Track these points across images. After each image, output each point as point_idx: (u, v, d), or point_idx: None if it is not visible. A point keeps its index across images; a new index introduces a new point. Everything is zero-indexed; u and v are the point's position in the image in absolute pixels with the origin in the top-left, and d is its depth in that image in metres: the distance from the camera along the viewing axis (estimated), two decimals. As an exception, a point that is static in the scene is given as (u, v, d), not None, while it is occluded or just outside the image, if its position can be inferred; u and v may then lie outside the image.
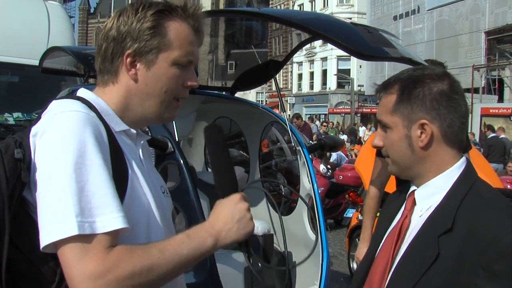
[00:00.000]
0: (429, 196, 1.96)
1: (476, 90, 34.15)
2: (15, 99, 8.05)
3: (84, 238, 1.52)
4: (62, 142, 1.59)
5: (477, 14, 37.88)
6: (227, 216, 1.78)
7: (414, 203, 2.01)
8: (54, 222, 1.52)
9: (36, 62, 6.80)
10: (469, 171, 1.95)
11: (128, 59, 1.81)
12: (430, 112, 1.93)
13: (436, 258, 1.80)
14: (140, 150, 1.92)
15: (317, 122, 31.13)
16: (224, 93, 5.55)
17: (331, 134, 27.37)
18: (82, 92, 1.86)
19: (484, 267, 1.70)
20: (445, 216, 1.85)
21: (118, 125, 1.82)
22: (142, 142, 1.95)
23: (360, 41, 3.22)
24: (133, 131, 1.89)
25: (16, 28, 8.00)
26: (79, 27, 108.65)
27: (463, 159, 1.98)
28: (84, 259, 1.51)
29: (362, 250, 4.16)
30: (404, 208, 2.05)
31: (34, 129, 1.69)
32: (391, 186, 7.37)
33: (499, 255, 1.69)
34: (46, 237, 1.52)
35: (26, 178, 1.63)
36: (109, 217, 1.55)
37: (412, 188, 2.05)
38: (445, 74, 2.01)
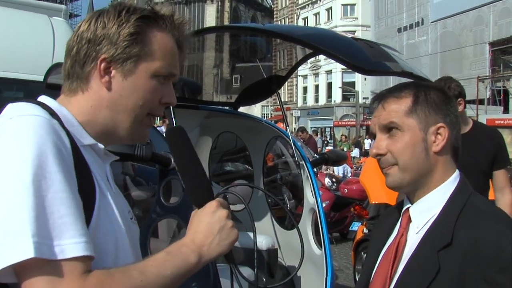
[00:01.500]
0: (425, 211, 1.92)
1: (481, 102, 34.12)
2: None
3: (52, 265, 1.31)
4: (18, 150, 1.36)
5: (481, 26, 37.84)
6: (207, 227, 1.61)
7: (409, 220, 1.96)
8: (6, 244, 1.28)
9: (40, 78, 6.80)
10: (464, 184, 1.93)
11: (103, 65, 1.60)
12: (445, 118, 1.92)
13: (437, 274, 1.76)
14: (108, 169, 1.70)
15: (318, 137, 31.03)
16: (227, 108, 5.56)
17: (345, 148, 27.38)
18: (43, 98, 1.64)
19: (487, 280, 1.67)
20: (443, 230, 1.81)
21: (84, 138, 1.60)
22: (109, 161, 1.74)
23: (361, 56, 3.23)
24: (101, 146, 1.66)
25: (21, 44, 8.02)
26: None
27: (457, 172, 1.96)
28: None
29: None
30: (400, 226, 1.99)
31: None
32: (380, 195, 7.39)
33: (501, 267, 1.67)
34: None
35: None
36: (69, 241, 1.34)
37: (407, 205, 2.00)
38: (444, 88, 2.04)
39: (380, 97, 2.01)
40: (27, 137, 1.39)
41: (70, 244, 1.33)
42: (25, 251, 1.27)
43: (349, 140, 32.42)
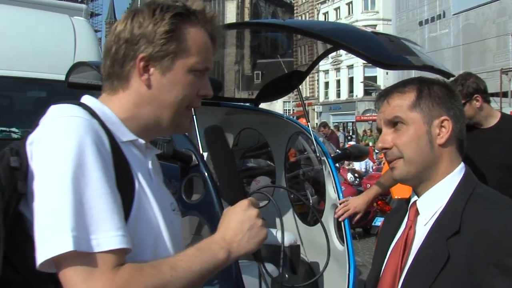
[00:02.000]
0: (432, 203, 1.96)
1: (504, 94, 33.83)
2: (43, 114, 8.12)
3: (87, 257, 1.39)
4: (59, 150, 1.45)
5: (504, 17, 37.47)
6: (237, 225, 1.65)
7: (417, 212, 2.01)
8: (48, 238, 1.38)
9: (62, 77, 6.87)
10: (469, 175, 1.98)
11: (141, 63, 1.67)
12: (449, 111, 1.97)
13: (447, 261, 1.79)
14: (150, 163, 1.77)
15: (340, 132, 30.97)
16: (248, 104, 5.56)
17: (370, 142, 27.29)
18: (85, 99, 1.72)
19: (495, 264, 1.70)
20: (451, 219, 1.86)
21: (124, 135, 1.68)
22: (151, 155, 1.81)
23: (381, 50, 3.21)
24: (142, 141, 1.73)
25: (42, 44, 8.10)
26: (105, 41, 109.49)
27: (462, 164, 2.01)
28: (90, 281, 1.38)
29: (356, 201, 4.33)
30: (408, 219, 2.04)
31: (31, 137, 1.56)
32: (402, 191, 7.34)
33: (509, 250, 1.70)
34: (40, 254, 1.37)
35: (23, 188, 1.49)
36: (106, 235, 1.42)
37: (414, 198, 2.05)
38: (447, 83, 2.10)
39: (385, 93, 2.07)
40: (67, 137, 1.47)
41: (106, 237, 1.42)
42: (65, 245, 1.35)
43: (374, 135, 32.25)
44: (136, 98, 1.71)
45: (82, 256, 1.38)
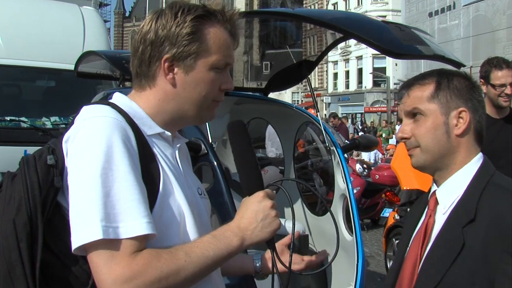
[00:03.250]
0: (450, 192, 2.02)
1: (514, 86, 33.63)
2: (52, 103, 8.17)
3: (110, 243, 1.54)
4: (90, 147, 1.61)
5: (514, 9, 37.28)
6: (252, 214, 1.76)
7: (436, 202, 2.06)
8: (81, 227, 1.55)
9: (72, 67, 6.89)
10: (486, 165, 2.03)
11: (166, 64, 1.80)
12: (467, 102, 2.02)
13: (462, 248, 1.85)
14: (177, 153, 1.91)
15: (348, 123, 30.95)
16: (257, 94, 5.55)
17: (384, 134, 27.27)
18: (116, 96, 1.87)
19: (509, 252, 1.75)
20: (467, 208, 1.91)
21: (151, 129, 1.82)
22: (178, 145, 1.94)
23: (392, 39, 3.19)
24: (168, 133, 1.87)
25: (52, 33, 8.13)
26: (114, 31, 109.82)
27: (480, 154, 2.06)
28: (110, 264, 1.54)
29: None
30: (428, 209, 2.10)
31: (66, 135, 1.71)
32: (411, 182, 7.32)
33: None
34: (74, 241, 1.55)
35: (59, 183, 1.67)
36: (133, 223, 1.57)
37: (433, 188, 2.11)
38: (468, 74, 2.13)
39: (407, 85, 2.15)
40: (97, 136, 1.63)
41: (133, 225, 1.57)
42: (95, 234, 1.53)
43: (389, 126, 32.19)
44: (162, 95, 1.85)
45: (107, 242, 1.54)
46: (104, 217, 1.54)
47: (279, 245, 2.10)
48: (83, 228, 1.55)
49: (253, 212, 1.77)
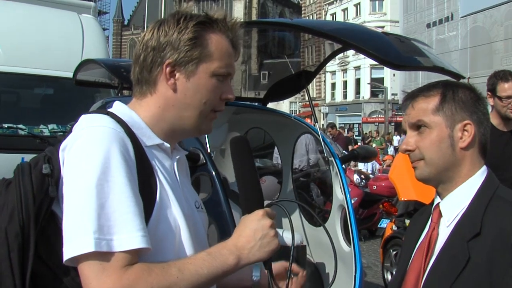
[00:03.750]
0: (454, 205, 2.00)
1: (512, 98, 33.69)
2: (50, 111, 8.16)
3: (102, 256, 1.51)
4: (87, 157, 1.59)
5: (512, 20, 37.40)
6: (250, 233, 1.73)
7: (440, 215, 2.04)
8: (73, 238, 1.53)
9: (70, 75, 6.89)
10: (491, 178, 2.02)
11: (168, 69, 1.79)
12: (472, 115, 2.01)
13: (467, 263, 1.83)
14: (175, 165, 1.88)
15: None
16: (256, 103, 5.55)
17: (374, 144, 27.22)
18: (116, 105, 1.85)
19: None
20: (472, 221, 1.89)
21: (150, 139, 1.80)
22: (178, 157, 1.91)
23: (391, 50, 3.19)
24: (167, 145, 1.85)
25: (51, 41, 8.13)
26: (113, 39, 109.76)
27: (484, 167, 2.04)
28: (101, 277, 1.51)
29: None
30: (431, 221, 2.08)
31: (63, 143, 1.69)
32: (409, 193, 7.33)
33: None
34: (66, 252, 1.53)
35: (53, 192, 1.66)
36: (127, 236, 1.54)
37: (437, 200, 2.09)
38: (473, 86, 2.11)
39: (411, 96, 2.13)
40: (94, 146, 1.61)
41: (126, 238, 1.54)
42: (87, 245, 1.50)
43: (380, 136, 32.20)
44: (163, 101, 1.82)
45: (99, 255, 1.51)
46: (97, 229, 1.51)
47: (279, 265, 2.02)
48: (75, 240, 1.52)
49: (251, 230, 1.73)
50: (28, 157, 1.86)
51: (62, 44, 8.24)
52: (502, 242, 1.78)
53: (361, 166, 17.34)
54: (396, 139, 33.53)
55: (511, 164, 4.52)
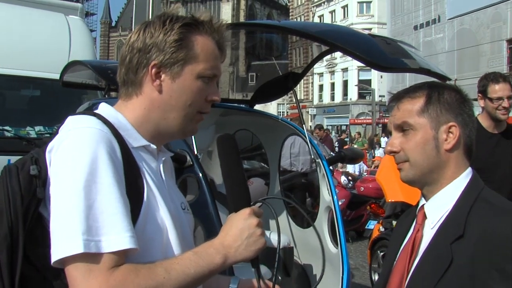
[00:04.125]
0: (439, 207, 2.00)
1: (498, 99, 33.88)
2: (36, 112, 8.11)
3: (89, 257, 1.50)
4: (73, 159, 1.58)
5: (498, 23, 37.62)
6: (237, 232, 1.72)
7: (424, 216, 2.04)
8: (61, 239, 1.52)
9: (57, 76, 6.86)
10: (475, 180, 2.01)
11: (153, 70, 1.79)
12: (457, 117, 2.01)
13: (450, 264, 1.83)
14: (161, 166, 1.88)
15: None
16: (243, 105, 5.55)
17: (357, 145, 27.28)
18: (102, 107, 1.85)
19: (497, 269, 1.74)
20: (455, 223, 1.90)
21: (136, 141, 1.80)
22: (164, 158, 1.91)
23: (378, 52, 3.20)
24: (153, 146, 1.84)
25: (37, 42, 8.08)
26: (100, 40, 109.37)
27: (469, 168, 2.04)
28: (88, 278, 1.50)
29: None
30: (416, 223, 2.08)
31: (50, 145, 1.68)
32: (396, 194, 7.36)
33: (510, 256, 1.72)
34: (54, 254, 1.52)
35: (41, 194, 1.65)
36: (115, 236, 1.53)
37: (422, 202, 2.09)
38: (459, 88, 2.11)
39: (397, 97, 2.12)
40: (81, 147, 1.60)
41: (115, 239, 1.53)
42: (76, 247, 1.49)
43: (362, 138, 32.27)
44: (148, 103, 1.82)
45: (87, 256, 1.50)
46: (86, 230, 1.50)
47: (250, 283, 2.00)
48: (64, 241, 1.51)
49: (238, 229, 1.72)
50: (14, 159, 1.85)
51: (49, 46, 8.19)
52: (484, 245, 1.77)
53: (349, 168, 17.40)
54: (383, 140, 33.60)
55: (500, 166, 4.54)
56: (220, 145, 1.89)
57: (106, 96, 6.50)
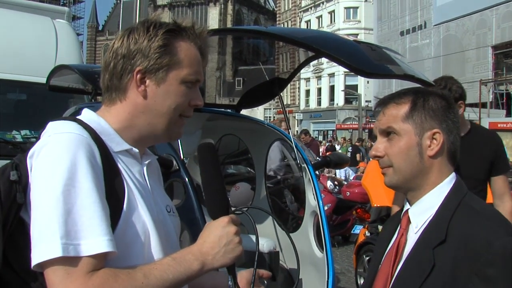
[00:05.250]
0: (422, 212, 2.02)
1: (483, 105, 34.12)
2: (23, 116, 8.08)
3: (68, 261, 1.52)
4: (53, 163, 1.60)
5: (483, 29, 37.83)
6: (215, 239, 1.74)
7: (409, 221, 2.06)
8: (41, 243, 1.53)
9: (43, 80, 6.83)
10: (459, 186, 2.03)
11: (138, 76, 1.80)
12: (441, 124, 2.02)
13: (432, 269, 1.85)
14: (145, 169, 1.89)
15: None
16: (229, 110, 5.56)
17: (342, 150, 27.29)
18: (84, 112, 1.86)
19: (477, 274, 1.75)
20: (438, 228, 1.91)
21: (118, 145, 1.82)
22: (147, 161, 1.92)
23: (363, 58, 3.23)
24: (136, 150, 1.86)
25: (24, 46, 8.04)
26: (87, 44, 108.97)
27: (453, 174, 2.06)
28: (66, 282, 1.52)
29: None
30: (400, 227, 2.09)
31: (31, 151, 1.70)
32: (382, 199, 7.39)
33: (491, 260, 1.75)
34: (33, 258, 1.53)
35: (21, 199, 1.66)
36: (93, 240, 1.55)
37: (406, 207, 2.10)
38: (445, 94, 2.13)
39: (383, 103, 2.14)
40: (61, 152, 1.62)
41: (93, 242, 1.55)
42: (55, 251, 1.50)
43: (347, 143, 32.34)
44: (132, 109, 1.84)
45: (65, 260, 1.52)
46: (64, 234, 1.52)
47: (247, 273, 2.08)
48: (43, 245, 1.53)
49: (216, 237, 1.75)
50: (0, 163, 1.86)
51: (36, 49, 8.16)
52: (466, 250, 1.79)
53: (336, 173, 17.43)
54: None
55: (464, 169, 4.52)
56: (201, 154, 1.90)
57: (93, 100, 6.49)
